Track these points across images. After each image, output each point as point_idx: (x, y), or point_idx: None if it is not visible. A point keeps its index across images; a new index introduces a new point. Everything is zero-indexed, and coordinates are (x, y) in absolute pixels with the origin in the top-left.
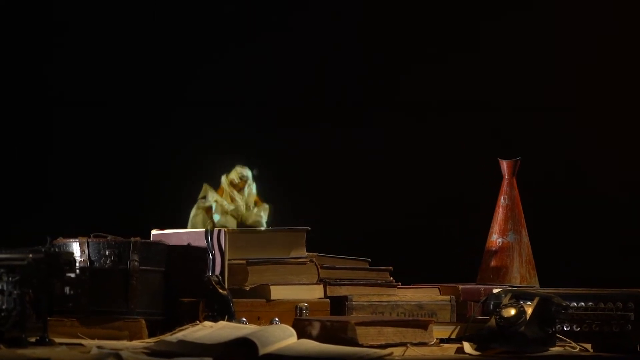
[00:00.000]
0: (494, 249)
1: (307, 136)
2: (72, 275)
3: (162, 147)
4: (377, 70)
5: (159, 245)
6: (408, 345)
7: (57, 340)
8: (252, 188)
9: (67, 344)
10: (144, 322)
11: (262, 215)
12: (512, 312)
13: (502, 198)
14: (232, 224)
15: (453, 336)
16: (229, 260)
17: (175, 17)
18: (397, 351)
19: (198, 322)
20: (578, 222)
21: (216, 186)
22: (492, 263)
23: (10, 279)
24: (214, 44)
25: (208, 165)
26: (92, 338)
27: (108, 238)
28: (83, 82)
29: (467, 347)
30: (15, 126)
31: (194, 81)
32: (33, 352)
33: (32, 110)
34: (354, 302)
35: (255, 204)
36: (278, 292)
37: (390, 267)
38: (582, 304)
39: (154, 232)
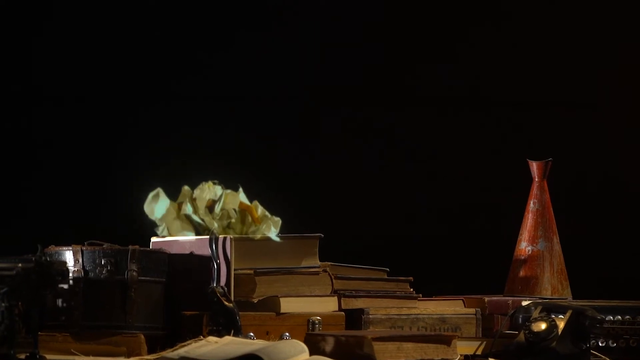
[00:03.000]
0: (522, 257)
1: (316, 136)
2: (65, 286)
3: (162, 148)
4: (391, 66)
5: (159, 253)
6: None
7: (49, 356)
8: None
9: None
10: (143, 337)
11: (272, 230)
12: (543, 326)
13: (531, 202)
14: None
15: (478, 352)
16: (235, 270)
17: (169, 13)
18: None
19: (202, 337)
20: (614, 228)
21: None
22: (521, 273)
23: None
24: (214, 36)
25: (210, 166)
26: (87, 354)
27: (104, 246)
28: (77, 79)
29: None
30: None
31: (195, 79)
32: None
33: (21, 107)
34: (370, 316)
35: (246, 214)
36: (288, 305)
37: (411, 278)
38: (619, 317)
39: (153, 239)
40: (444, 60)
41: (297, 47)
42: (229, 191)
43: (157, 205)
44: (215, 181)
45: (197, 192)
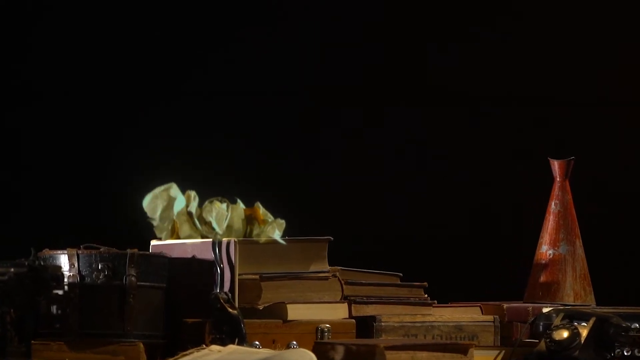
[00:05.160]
0: (543, 262)
1: (324, 136)
2: (60, 292)
3: (162, 148)
4: (403, 61)
5: (159, 257)
6: None
7: None
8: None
9: None
10: (142, 345)
11: (276, 233)
12: (565, 334)
13: (552, 203)
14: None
15: None
16: (239, 275)
17: (169, 12)
18: None
19: (204, 345)
20: None
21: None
22: (542, 278)
23: None
24: (213, 36)
25: (210, 167)
26: None
27: (101, 250)
28: (74, 77)
29: None
30: None
31: (195, 79)
32: None
33: (10, 102)
34: (383, 323)
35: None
36: (296, 312)
37: (425, 283)
38: None
39: (153, 242)
40: (451, 59)
41: (297, 47)
42: (232, 205)
43: (176, 202)
44: (219, 198)
45: (204, 212)
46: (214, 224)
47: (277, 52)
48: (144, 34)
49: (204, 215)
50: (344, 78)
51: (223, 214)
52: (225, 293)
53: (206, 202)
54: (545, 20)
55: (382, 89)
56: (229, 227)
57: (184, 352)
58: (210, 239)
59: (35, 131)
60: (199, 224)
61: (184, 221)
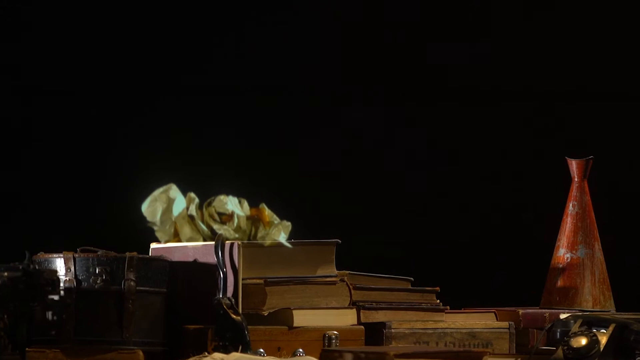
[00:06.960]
0: (561, 266)
1: (331, 134)
2: (56, 297)
3: (162, 148)
4: (403, 61)
5: (159, 261)
6: None
7: None
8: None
9: None
10: (141, 353)
11: (281, 235)
12: (583, 341)
13: (570, 205)
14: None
15: None
16: (243, 279)
17: (168, 10)
18: None
19: (206, 353)
20: None
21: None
22: (559, 283)
23: None
24: (212, 34)
25: (211, 167)
26: None
27: (98, 253)
28: (71, 74)
29: None
30: None
31: (195, 78)
32: None
33: (9, 102)
34: (393, 330)
35: (255, 220)
36: (302, 318)
37: (437, 288)
38: None
39: (153, 245)
40: (456, 56)
41: (297, 46)
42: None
43: (176, 203)
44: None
45: (217, 206)
46: (237, 210)
47: (278, 51)
48: (144, 34)
49: (217, 209)
50: (344, 78)
51: (236, 202)
52: (229, 298)
53: (212, 199)
54: (549, 17)
55: (382, 89)
56: (236, 228)
57: None
58: (212, 242)
59: (33, 132)
60: (210, 221)
61: (184, 223)
